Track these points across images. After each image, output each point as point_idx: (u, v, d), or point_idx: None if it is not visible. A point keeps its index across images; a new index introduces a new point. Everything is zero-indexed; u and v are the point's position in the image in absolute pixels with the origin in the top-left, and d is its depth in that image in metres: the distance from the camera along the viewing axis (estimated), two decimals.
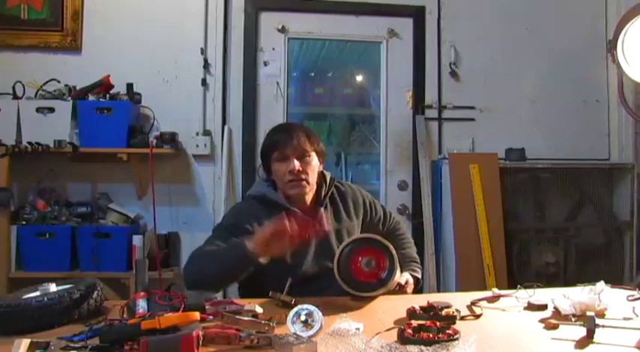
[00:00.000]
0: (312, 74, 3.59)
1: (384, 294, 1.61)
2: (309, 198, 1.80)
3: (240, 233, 1.64)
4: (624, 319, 1.35)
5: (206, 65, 3.21)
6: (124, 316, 1.30)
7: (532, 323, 1.36)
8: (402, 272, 1.80)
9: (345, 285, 1.55)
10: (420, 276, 1.88)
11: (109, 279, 2.79)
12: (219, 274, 1.57)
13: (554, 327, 1.31)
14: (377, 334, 1.18)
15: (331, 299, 1.53)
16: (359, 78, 3.63)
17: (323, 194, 1.82)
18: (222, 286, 1.59)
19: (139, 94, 3.02)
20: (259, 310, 1.35)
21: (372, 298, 1.57)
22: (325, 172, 1.86)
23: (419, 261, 1.98)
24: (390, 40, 3.43)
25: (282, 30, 3.33)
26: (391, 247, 1.60)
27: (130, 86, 2.98)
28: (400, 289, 1.72)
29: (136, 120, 3.03)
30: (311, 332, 1.19)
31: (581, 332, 1.23)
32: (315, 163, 1.77)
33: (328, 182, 1.84)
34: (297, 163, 1.71)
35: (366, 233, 1.84)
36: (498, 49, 3.47)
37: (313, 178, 1.77)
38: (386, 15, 3.41)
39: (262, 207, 1.75)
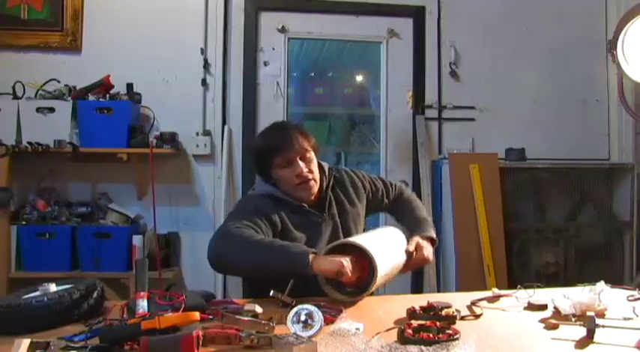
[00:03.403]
0: (312, 74, 3.59)
1: (406, 271, 1.70)
2: (314, 192, 1.78)
3: (263, 217, 1.63)
4: (624, 319, 1.35)
5: (206, 65, 3.21)
6: (124, 316, 1.30)
7: (532, 323, 1.36)
8: (412, 236, 1.78)
9: (333, 290, 1.54)
10: (433, 236, 1.82)
11: (109, 279, 2.78)
12: (259, 268, 1.53)
13: (554, 327, 1.31)
14: (377, 334, 1.18)
15: (331, 299, 1.53)
16: (359, 78, 3.63)
17: (325, 186, 1.81)
18: (248, 276, 1.55)
19: (139, 94, 3.02)
20: (259, 310, 1.35)
21: (357, 300, 1.55)
22: (322, 163, 1.86)
23: (430, 220, 1.91)
24: (390, 40, 3.43)
25: (282, 30, 3.33)
26: (369, 251, 1.53)
27: (130, 86, 2.98)
28: (412, 257, 1.69)
29: (136, 120, 3.03)
30: (311, 332, 1.19)
31: (581, 332, 1.23)
32: (315, 159, 1.77)
33: (327, 173, 1.84)
34: (302, 165, 1.71)
35: (370, 211, 1.92)
36: (498, 49, 3.47)
37: (317, 174, 1.77)
38: (386, 15, 3.41)
39: (276, 204, 1.72)
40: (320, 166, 1.82)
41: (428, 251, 1.74)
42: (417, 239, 1.76)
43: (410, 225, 1.87)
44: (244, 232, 1.56)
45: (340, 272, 1.45)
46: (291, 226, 1.70)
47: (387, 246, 1.66)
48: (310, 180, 1.73)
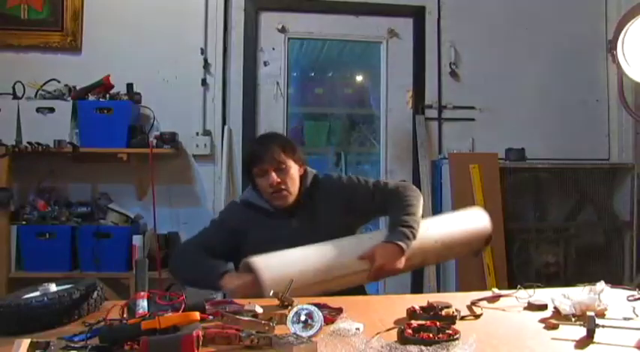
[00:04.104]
0: (312, 74, 3.60)
1: (372, 278, 1.69)
2: (288, 202, 1.87)
3: (226, 229, 1.89)
4: (624, 319, 1.35)
5: (206, 65, 3.21)
6: (124, 316, 1.29)
7: (532, 323, 1.36)
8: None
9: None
10: (399, 242, 1.66)
11: (109, 279, 2.78)
12: (192, 282, 1.88)
13: (554, 327, 1.30)
14: (377, 334, 1.17)
15: (330, 298, 1.53)
16: (359, 78, 3.63)
17: (302, 193, 1.89)
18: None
19: (139, 94, 3.02)
20: (259, 310, 1.35)
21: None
22: (309, 171, 1.93)
23: (408, 222, 1.72)
24: (390, 40, 3.43)
25: (282, 30, 3.33)
26: (255, 264, 1.60)
27: (130, 86, 2.98)
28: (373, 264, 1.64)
29: (136, 120, 3.03)
30: (311, 332, 1.19)
31: (581, 332, 1.22)
32: (293, 171, 1.86)
33: (310, 181, 1.91)
34: (274, 176, 1.81)
35: (360, 218, 1.98)
36: (498, 49, 3.47)
37: (294, 186, 1.86)
38: (386, 15, 3.41)
39: (249, 210, 1.91)
40: (305, 174, 1.90)
41: (386, 259, 1.63)
42: (377, 246, 1.67)
43: (389, 228, 1.76)
44: (187, 254, 1.90)
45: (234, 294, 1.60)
46: (254, 229, 1.85)
47: (314, 256, 1.65)
48: (282, 190, 1.83)
